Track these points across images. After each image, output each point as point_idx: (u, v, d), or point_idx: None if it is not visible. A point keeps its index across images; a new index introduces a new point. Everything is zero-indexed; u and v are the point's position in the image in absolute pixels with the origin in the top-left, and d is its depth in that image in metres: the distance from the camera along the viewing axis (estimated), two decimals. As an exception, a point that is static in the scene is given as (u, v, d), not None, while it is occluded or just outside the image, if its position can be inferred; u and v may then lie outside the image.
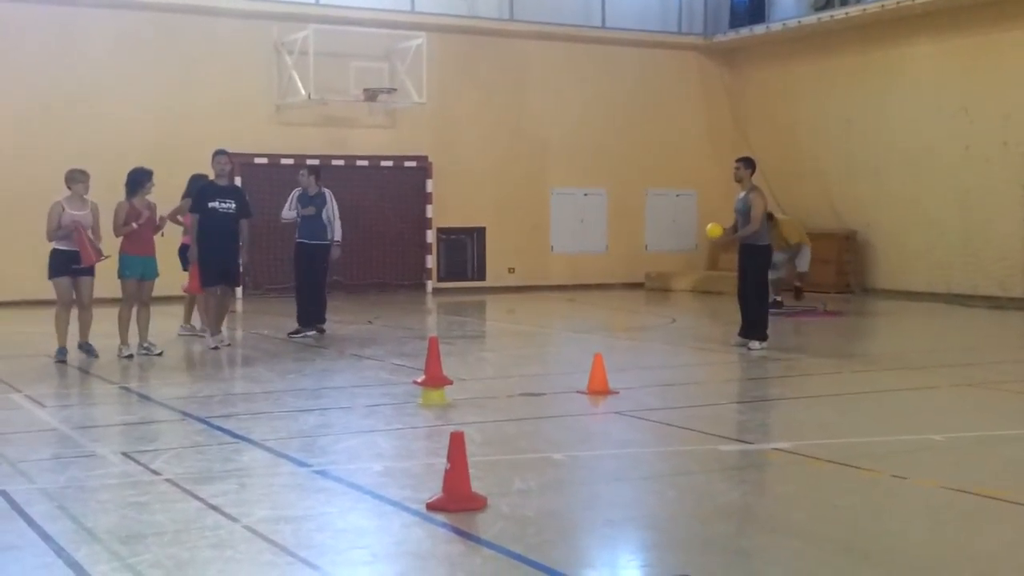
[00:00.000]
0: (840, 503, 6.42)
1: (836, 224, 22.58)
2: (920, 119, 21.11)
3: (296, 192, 14.68)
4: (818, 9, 22.68)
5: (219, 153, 13.42)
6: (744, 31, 24.15)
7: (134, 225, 12.32)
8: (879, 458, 7.49)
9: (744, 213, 12.98)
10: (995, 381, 11.05)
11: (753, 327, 13.01)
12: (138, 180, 12.51)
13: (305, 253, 14.61)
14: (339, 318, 14.72)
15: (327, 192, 14.71)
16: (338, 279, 21.72)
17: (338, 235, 14.66)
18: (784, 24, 23.20)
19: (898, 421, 9.02)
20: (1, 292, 18.90)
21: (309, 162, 15.66)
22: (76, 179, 12.26)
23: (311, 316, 14.62)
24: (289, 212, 14.63)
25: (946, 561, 5.41)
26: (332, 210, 14.57)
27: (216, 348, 12.98)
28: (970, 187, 20.15)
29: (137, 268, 12.48)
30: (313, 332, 14.49)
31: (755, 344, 12.88)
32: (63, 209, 12.07)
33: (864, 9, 21.36)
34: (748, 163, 13.31)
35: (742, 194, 13.11)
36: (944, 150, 20.58)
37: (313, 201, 14.49)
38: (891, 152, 21.78)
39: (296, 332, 14.41)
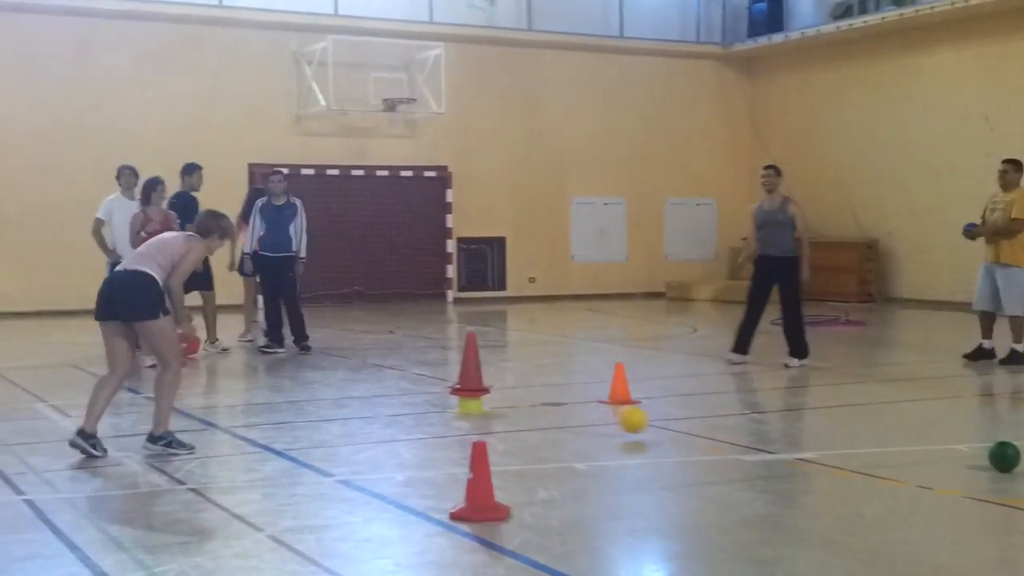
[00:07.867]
0: (864, 513, 6.38)
1: (857, 233, 22.52)
2: (940, 127, 21.04)
3: (260, 203, 14.02)
4: (836, 18, 22.67)
5: (274, 173, 14.36)
6: (762, 40, 24.13)
7: (142, 234, 12.33)
8: (904, 468, 7.46)
9: (786, 224, 12.43)
10: (1020, 391, 10.99)
11: (796, 343, 12.47)
12: (145, 189, 12.66)
13: (268, 266, 13.88)
14: (360, 328, 14.71)
15: (298, 203, 14.06)
16: (359, 288, 21.79)
17: (303, 250, 13.92)
18: (802, 33, 23.17)
19: (922, 431, 8.98)
20: (27, 303, 18.99)
21: (288, 172, 15.03)
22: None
23: (296, 336, 13.82)
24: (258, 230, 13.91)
25: (970, 571, 5.39)
26: (301, 223, 13.89)
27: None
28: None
29: None
30: (283, 350, 13.69)
31: (794, 361, 12.38)
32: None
33: (883, 18, 21.32)
34: (778, 171, 12.88)
35: (772, 204, 12.59)
36: (965, 158, 20.49)
37: (281, 211, 13.87)
38: (912, 160, 21.70)
39: (267, 347, 13.73)
